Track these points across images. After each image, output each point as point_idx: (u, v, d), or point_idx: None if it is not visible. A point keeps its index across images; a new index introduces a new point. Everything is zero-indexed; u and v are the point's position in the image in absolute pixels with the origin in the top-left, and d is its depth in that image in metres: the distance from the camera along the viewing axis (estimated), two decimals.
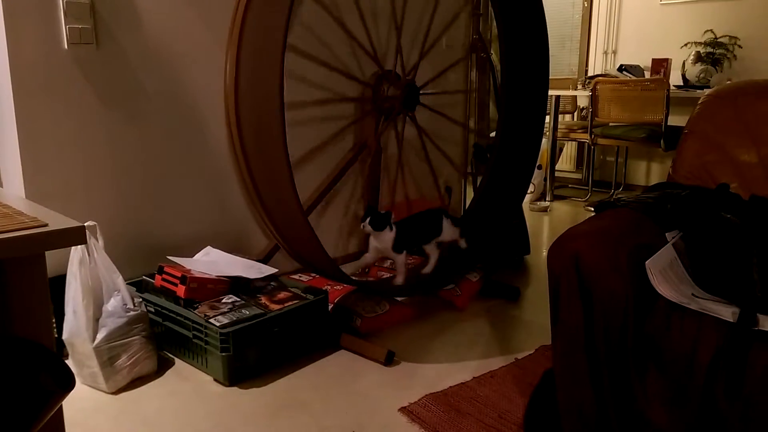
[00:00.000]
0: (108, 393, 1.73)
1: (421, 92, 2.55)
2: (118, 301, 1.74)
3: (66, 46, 1.87)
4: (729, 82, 3.36)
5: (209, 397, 1.72)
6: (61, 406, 0.92)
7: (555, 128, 4.38)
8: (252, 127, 1.95)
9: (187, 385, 1.79)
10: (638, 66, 4.44)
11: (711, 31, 4.26)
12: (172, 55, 2.12)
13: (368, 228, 2.18)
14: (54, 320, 1.81)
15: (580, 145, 5.01)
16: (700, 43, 4.28)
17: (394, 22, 2.72)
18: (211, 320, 1.77)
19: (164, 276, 1.93)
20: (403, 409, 1.65)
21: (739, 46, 4.19)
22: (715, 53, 4.21)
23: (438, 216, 2.42)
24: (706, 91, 1.87)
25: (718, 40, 4.22)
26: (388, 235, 2.20)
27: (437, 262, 2.43)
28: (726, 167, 1.69)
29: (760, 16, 4.12)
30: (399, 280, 2.29)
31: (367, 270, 2.56)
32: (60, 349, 1.81)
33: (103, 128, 2.00)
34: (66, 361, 1.67)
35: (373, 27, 2.70)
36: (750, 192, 1.60)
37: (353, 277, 2.21)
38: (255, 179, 2.03)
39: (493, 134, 3.10)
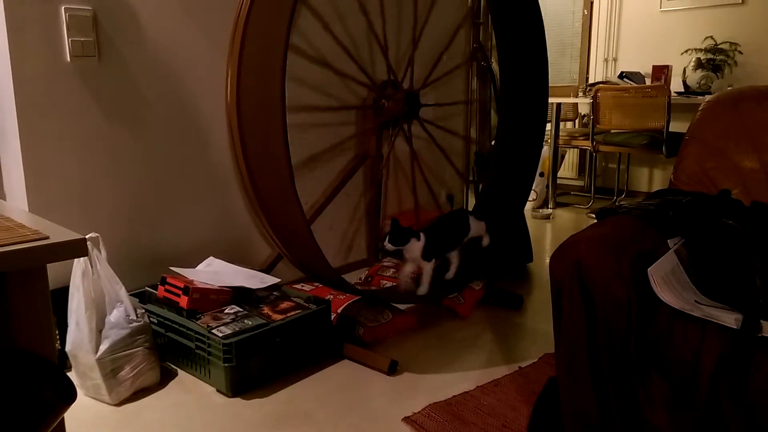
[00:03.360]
0: (111, 405, 1.72)
1: (422, 102, 2.56)
2: (121, 313, 1.75)
3: (68, 59, 1.89)
4: (730, 88, 3.36)
5: (212, 408, 1.72)
6: (63, 419, 0.92)
7: (557, 135, 4.38)
8: (254, 138, 1.96)
9: (190, 396, 1.78)
10: (639, 73, 4.44)
11: (711, 37, 4.27)
12: (174, 67, 2.14)
13: (389, 246, 2.17)
14: (57, 332, 1.82)
15: (582, 153, 5.02)
16: (700, 50, 4.28)
17: (377, 35, 2.74)
18: (214, 331, 1.77)
19: (167, 287, 1.93)
20: (406, 419, 1.64)
21: (740, 52, 4.19)
22: (715, 59, 4.21)
23: (464, 216, 2.43)
24: (707, 98, 1.87)
25: (719, 46, 4.23)
26: (417, 245, 2.20)
27: (458, 266, 2.42)
28: (727, 173, 1.69)
29: (760, 22, 4.13)
30: (423, 289, 2.26)
31: (369, 279, 2.55)
32: (63, 361, 1.81)
33: (106, 140, 2.01)
34: (69, 373, 1.68)
35: (364, 38, 2.71)
36: (751, 198, 1.59)
37: (357, 287, 2.21)
38: (257, 189, 2.03)
39: (494, 142, 3.10)
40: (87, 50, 1.92)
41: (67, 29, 1.87)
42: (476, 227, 2.44)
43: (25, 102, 1.83)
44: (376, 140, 2.61)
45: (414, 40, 2.72)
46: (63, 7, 1.85)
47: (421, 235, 2.20)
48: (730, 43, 4.21)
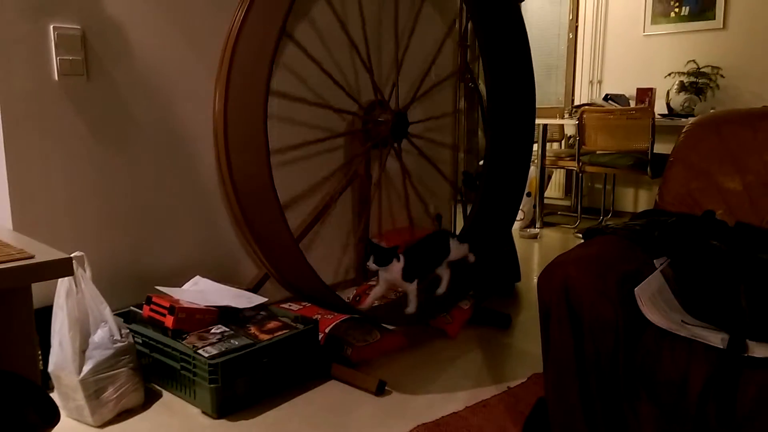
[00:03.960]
0: (94, 427, 1.69)
1: (410, 121, 2.58)
2: (105, 333, 1.72)
3: (56, 78, 1.88)
4: (712, 110, 3.42)
5: (197, 430, 1.69)
6: None
7: (543, 156, 4.42)
8: (240, 157, 1.96)
9: (175, 418, 1.76)
10: (623, 95, 4.52)
11: (694, 61, 4.36)
12: (163, 86, 2.14)
13: (373, 266, 2.15)
14: (40, 352, 1.79)
15: (569, 173, 5.06)
16: (683, 73, 4.37)
17: (367, 53, 2.76)
18: (200, 351, 1.75)
19: (152, 306, 1.91)
20: None
21: (722, 76, 4.28)
22: (698, 83, 4.29)
23: (444, 237, 2.43)
24: (691, 120, 1.91)
25: (701, 69, 4.32)
26: (397, 266, 2.17)
27: (449, 281, 2.41)
28: (711, 194, 1.72)
29: (740, 47, 4.22)
30: (411, 309, 2.23)
31: (358, 298, 2.54)
32: (46, 382, 1.78)
33: (93, 159, 2.00)
34: (52, 394, 1.64)
35: (356, 59, 2.74)
36: (735, 218, 1.62)
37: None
38: (244, 208, 2.03)
39: (482, 162, 3.12)
40: (75, 69, 1.91)
41: (56, 48, 1.86)
42: (457, 250, 2.43)
43: (11, 120, 1.82)
44: (365, 160, 2.62)
45: (398, 62, 2.74)
46: (51, 26, 1.85)
47: (401, 256, 2.19)
48: (712, 66, 4.30)
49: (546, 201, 4.71)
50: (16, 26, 1.79)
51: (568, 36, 5.10)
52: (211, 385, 1.72)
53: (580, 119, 4.10)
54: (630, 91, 4.56)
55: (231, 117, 1.97)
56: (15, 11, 1.78)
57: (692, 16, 4.38)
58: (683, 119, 4.01)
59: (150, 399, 1.84)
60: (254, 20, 1.95)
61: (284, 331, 1.93)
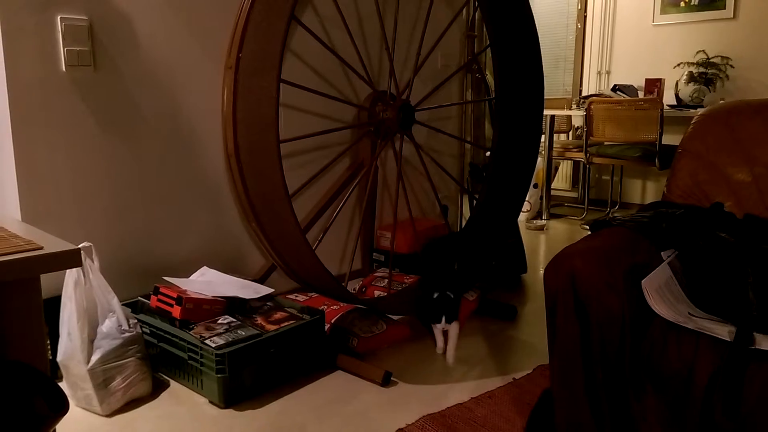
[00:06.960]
0: (102, 416, 1.71)
1: (416, 109, 2.57)
2: (113, 323, 1.73)
3: (64, 69, 1.89)
4: (722, 101, 3.39)
5: (204, 419, 1.71)
6: (55, 430, 0.91)
7: (550, 147, 4.40)
8: (248, 147, 1.96)
9: (182, 407, 1.77)
10: (632, 86, 4.48)
11: (703, 51, 4.31)
12: (170, 77, 2.14)
13: (447, 326, 2.00)
14: (49, 342, 1.80)
15: (576, 164, 5.04)
16: (692, 63, 4.32)
17: (386, 43, 2.75)
18: (207, 341, 1.76)
19: (160, 297, 1.92)
20: (400, 431, 1.64)
21: (731, 66, 4.24)
22: (707, 73, 4.25)
23: (445, 245, 2.36)
24: (700, 111, 1.89)
25: (711, 60, 4.27)
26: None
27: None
28: (720, 186, 1.70)
29: (750, 37, 4.17)
30: (450, 357, 2.07)
31: (364, 289, 2.55)
32: (54, 372, 1.80)
33: (101, 150, 2.01)
34: (60, 384, 1.66)
35: (364, 50, 2.73)
36: (744, 211, 1.60)
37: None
38: (251, 199, 2.03)
39: (488, 153, 3.11)
40: (82, 60, 1.92)
41: (63, 39, 1.87)
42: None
43: (19, 111, 1.83)
44: (371, 150, 2.61)
45: (417, 55, 2.73)
46: (59, 17, 1.85)
47: (450, 296, 1.99)
48: (722, 57, 4.25)
49: (553, 192, 4.70)
50: (23, 17, 1.79)
51: (576, 26, 5.06)
52: (218, 375, 1.73)
53: (588, 110, 4.07)
54: (639, 82, 4.52)
55: (240, 108, 1.96)
56: (22, 2, 1.79)
57: (702, 6, 4.34)
58: (692, 110, 3.98)
59: (158, 388, 1.85)
60: (261, 8, 1.94)
61: (290, 322, 1.94)
